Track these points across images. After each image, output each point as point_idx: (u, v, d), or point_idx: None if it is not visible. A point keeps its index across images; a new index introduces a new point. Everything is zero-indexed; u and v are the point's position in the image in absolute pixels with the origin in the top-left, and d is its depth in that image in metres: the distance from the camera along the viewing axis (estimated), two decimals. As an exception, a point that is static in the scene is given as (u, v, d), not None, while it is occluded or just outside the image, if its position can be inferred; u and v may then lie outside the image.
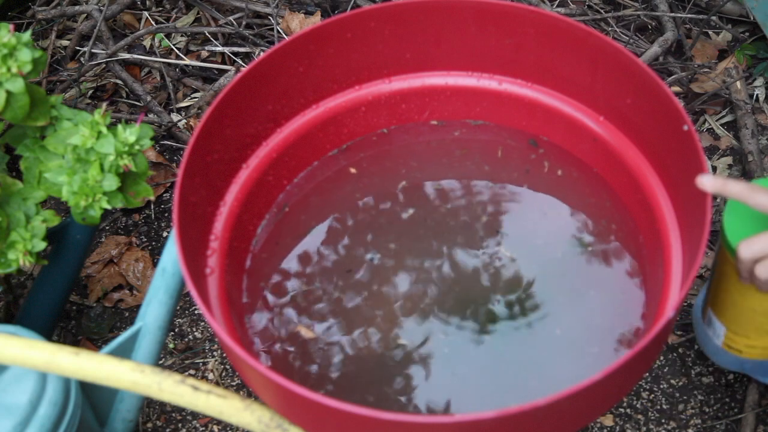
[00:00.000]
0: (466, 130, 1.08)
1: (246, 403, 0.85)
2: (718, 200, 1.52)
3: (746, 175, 1.54)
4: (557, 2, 1.77)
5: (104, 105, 1.13)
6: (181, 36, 1.77)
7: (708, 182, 0.83)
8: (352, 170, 1.06)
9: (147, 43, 1.77)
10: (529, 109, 1.06)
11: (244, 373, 0.86)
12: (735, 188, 0.85)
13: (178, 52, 1.75)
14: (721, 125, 1.63)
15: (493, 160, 1.06)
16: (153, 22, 1.80)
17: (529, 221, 1.02)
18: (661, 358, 1.36)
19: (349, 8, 1.72)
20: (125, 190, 1.04)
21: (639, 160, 0.98)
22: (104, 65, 1.73)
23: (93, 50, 1.72)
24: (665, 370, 1.34)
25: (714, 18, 1.74)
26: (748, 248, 0.85)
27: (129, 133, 1.00)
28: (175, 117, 1.67)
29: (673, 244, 0.92)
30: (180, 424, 1.33)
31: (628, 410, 1.31)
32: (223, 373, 1.37)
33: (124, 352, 1.00)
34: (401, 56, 1.05)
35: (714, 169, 1.57)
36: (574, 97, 1.03)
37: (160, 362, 1.38)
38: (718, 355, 1.21)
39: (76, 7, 1.75)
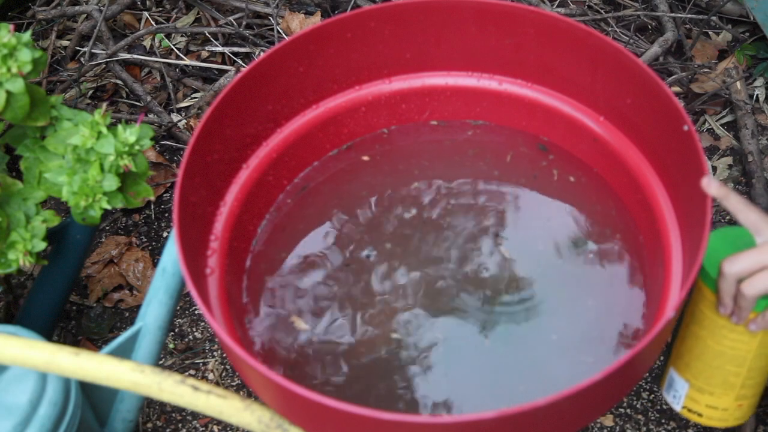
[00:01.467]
0: (480, 131, 1.08)
1: (246, 403, 0.85)
2: (717, 202, 1.52)
3: (746, 175, 1.54)
4: (557, 2, 1.77)
5: (104, 105, 1.13)
6: (181, 36, 1.77)
7: (714, 187, 0.83)
8: (365, 158, 1.06)
9: (147, 43, 1.78)
10: (530, 109, 1.05)
11: (244, 373, 0.86)
12: (734, 201, 0.85)
13: (178, 52, 1.75)
14: (721, 125, 1.63)
15: (501, 163, 1.06)
16: (153, 23, 1.80)
17: (532, 226, 1.02)
18: (662, 358, 1.36)
19: (349, 8, 1.72)
20: (125, 190, 1.04)
21: (639, 160, 0.98)
22: (104, 65, 1.73)
23: (93, 50, 1.72)
24: (665, 370, 1.34)
25: (714, 18, 1.74)
26: (733, 265, 0.84)
27: (129, 134, 1.00)
28: (175, 117, 1.67)
29: (673, 244, 0.92)
30: (180, 425, 1.33)
31: (628, 410, 1.31)
32: (223, 373, 1.37)
33: (124, 352, 1.00)
34: (401, 56, 1.05)
35: (714, 169, 1.57)
36: (574, 97, 1.03)
37: (160, 362, 1.38)
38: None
39: (76, 7, 1.75)
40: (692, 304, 0.93)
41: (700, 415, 0.97)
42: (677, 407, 0.98)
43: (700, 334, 0.93)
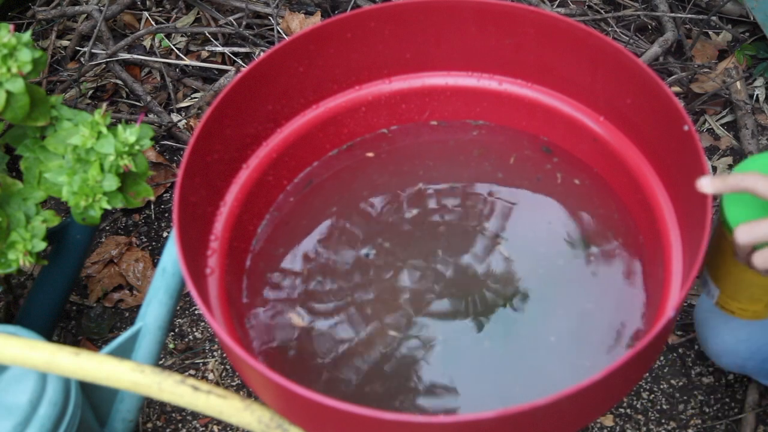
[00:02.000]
0: (485, 131, 1.08)
1: (246, 403, 0.85)
2: (717, 200, 1.52)
3: (746, 175, 1.54)
4: (557, 2, 1.77)
5: (104, 105, 1.13)
6: (181, 36, 1.77)
7: (707, 184, 0.82)
8: (370, 154, 1.06)
9: (147, 43, 1.78)
10: (529, 109, 1.05)
11: (244, 373, 0.86)
12: (734, 183, 0.82)
13: (178, 52, 1.75)
14: (721, 125, 1.63)
15: (504, 165, 1.06)
16: (153, 23, 1.80)
17: (534, 228, 1.02)
18: (661, 358, 1.36)
19: (349, 8, 1.72)
20: (125, 191, 1.04)
21: (639, 160, 0.98)
22: (104, 65, 1.73)
23: (93, 50, 1.72)
24: (665, 370, 1.35)
25: (714, 18, 1.74)
26: (747, 234, 0.82)
27: (129, 134, 1.00)
28: (175, 117, 1.67)
29: (673, 244, 0.92)
30: (180, 425, 1.33)
31: (628, 410, 1.31)
32: (223, 373, 1.37)
33: (124, 352, 1.00)
34: (401, 56, 1.05)
35: (714, 169, 1.57)
36: (574, 97, 1.03)
37: (160, 362, 1.38)
38: (719, 357, 1.21)
39: (76, 8, 1.75)
40: (716, 237, 0.91)
41: (732, 312, 0.97)
42: (712, 301, 0.97)
43: (725, 261, 0.91)
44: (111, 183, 1.01)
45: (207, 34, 1.76)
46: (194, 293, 0.80)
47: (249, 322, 0.95)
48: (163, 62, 1.73)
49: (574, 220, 1.01)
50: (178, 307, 1.44)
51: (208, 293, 0.92)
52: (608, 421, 1.30)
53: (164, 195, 1.59)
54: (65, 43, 1.78)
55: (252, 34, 1.72)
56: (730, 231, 0.87)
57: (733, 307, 0.97)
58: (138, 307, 1.44)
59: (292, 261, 1.00)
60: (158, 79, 1.74)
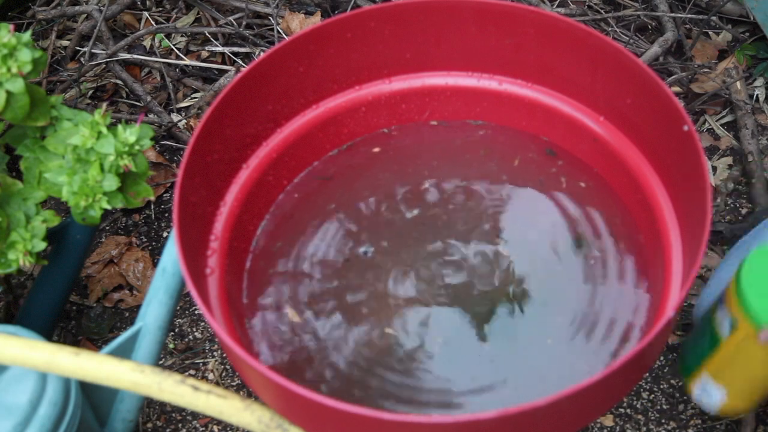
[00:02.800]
0: (491, 131, 1.08)
1: (246, 403, 0.85)
2: (717, 200, 1.52)
3: (746, 175, 1.54)
4: (557, 2, 1.77)
5: (104, 105, 1.14)
6: (181, 36, 1.77)
7: None
8: (376, 149, 1.06)
9: (147, 43, 1.78)
10: (529, 109, 1.05)
11: (244, 373, 0.86)
12: None
13: (178, 52, 1.75)
14: (721, 125, 1.63)
15: (508, 167, 1.06)
16: (153, 23, 1.80)
17: (534, 230, 1.01)
18: (661, 358, 1.36)
19: (349, 8, 1.72)
20: (125, 191, 1.04)
21: (639, 160, 0.98)
22: (104, 65, 1.73)
23: (93, 50, 1.72)
24: (665, 370, 1.34)
25: (714, 18, 1.74)
26: None
27: (129, 134, 1.00)
28: (175, 117, 1.67)
29: (673, 244, 0.92)
30: (180, 425, 1.33)
31: (628, 410, 1.31)
32: (223, 373, 1.37)
33: (124, 352, 1.00)
34: (401, 56, 1.05)
35: (714, 169, 1.57)
36: (574, 97, 1.03)
37: (160, 362, 1.38)
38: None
39: (76, 7, 1.75)
40: (734, 329, 0.86)
41: (726, 413, 0.92)
42: (713, 410, 0.93)
43: (741, 354, 0.86)
44: (111, 183, 1.01)
45: (207, 34, 1.76)
46: (194, 293, 0.80)
47: (249, 322, 0.95)
48: (163, 62, 1.73)
49: (575, 221, 1.01)
50: (178, 307, 1.44)
51: (208, 293, 0.92)
52: (608, 421, 1.30)
53: (164, 195, 1.59)
54: (65, 43, 1.78)
55: (252, 34, 1.72)
56: (758, 323, 0.82)
57: (730, 407, 0.92)
58: (138, 307, 1.44)
59: (292, 260, 1.00)
60: (158, 79, 1.74)
